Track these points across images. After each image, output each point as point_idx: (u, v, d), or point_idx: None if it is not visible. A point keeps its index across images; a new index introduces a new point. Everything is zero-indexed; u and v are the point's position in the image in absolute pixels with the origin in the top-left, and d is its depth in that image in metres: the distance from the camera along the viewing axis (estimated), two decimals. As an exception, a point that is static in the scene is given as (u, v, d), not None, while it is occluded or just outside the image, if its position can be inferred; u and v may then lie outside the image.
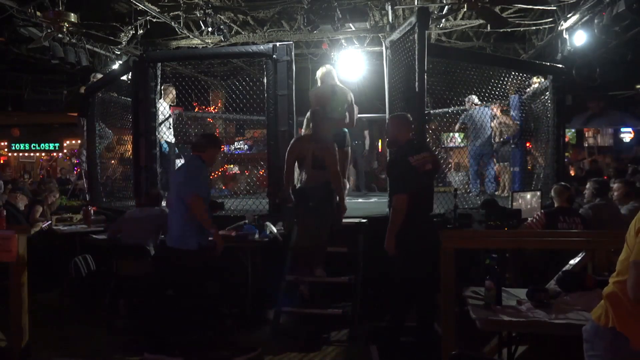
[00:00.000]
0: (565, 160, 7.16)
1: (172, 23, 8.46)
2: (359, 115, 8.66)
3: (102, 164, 7.26)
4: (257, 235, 4.58)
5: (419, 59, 4.53)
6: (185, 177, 3.74)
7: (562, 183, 4.75)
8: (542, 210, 4.65)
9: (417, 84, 4.57)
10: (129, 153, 6.32)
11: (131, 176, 6.04)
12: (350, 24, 7.80)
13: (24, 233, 3.63)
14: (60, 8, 6.72)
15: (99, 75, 7.91)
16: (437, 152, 8.32)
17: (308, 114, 4.73)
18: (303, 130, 4.95)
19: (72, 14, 6.66)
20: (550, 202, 4.87)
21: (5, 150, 17.38)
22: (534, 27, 8.65)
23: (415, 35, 4.59)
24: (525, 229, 4.30)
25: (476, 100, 6.95)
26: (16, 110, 13.15)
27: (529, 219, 4.50)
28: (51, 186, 6.62)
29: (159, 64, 5.60)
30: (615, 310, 1.75)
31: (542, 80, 6.59)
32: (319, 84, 5.48)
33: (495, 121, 7.13)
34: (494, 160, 7.36)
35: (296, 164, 4.51)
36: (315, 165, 4.34)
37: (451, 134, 9.37)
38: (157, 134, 5.59)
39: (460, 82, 6.53)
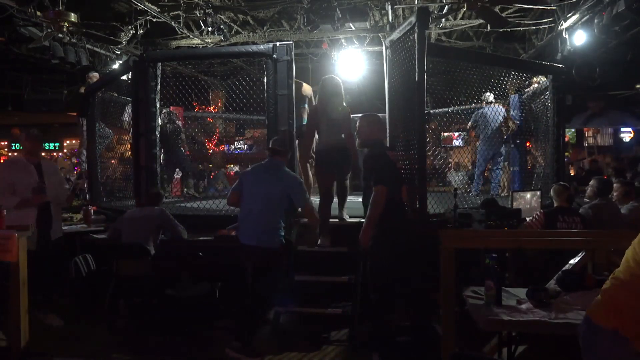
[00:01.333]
0: (565, 160, 7.12)
1: (172, 23, 8.47)
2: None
3: (102, 163, 7.25)
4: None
5: (419, 59, 4.52)
6: (299, 185, 3.94)
7: (562, 183, 4.76)
8: (541, 210, 4.65)
9: (417, 83, 4.56)
10: (129, 153, 6.32)
11: (131, 176, 6.03)
12: (350, 24, 7.80)
13: (24, 233, 3.64)
14: (61, 8, 6.73)
15: (94, 74, 7.90)
16: (436, 152, 8.35)
17: (309, 93, 5.03)
18: (315, 102, 5.20)
19: (72, 14, 6.67)
20: (550, 202, 4.87)
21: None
22: (534, 27, 8.65)
23: (415, 35, 4.58)
24: (524, 228, 4.31)
25: (491, 98, 6.89)
26: (16, 110, 13.11)
27: (528, 218, 4.51)
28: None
29: (159, 64, 5.60)
30: (612, 308, 1.74)
31: (542, 80, 6.59)
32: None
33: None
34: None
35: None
36: (333, 129, 4.67)
37: (446, 134, 9.38)
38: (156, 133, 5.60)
39: (460, 82, 6.52)
